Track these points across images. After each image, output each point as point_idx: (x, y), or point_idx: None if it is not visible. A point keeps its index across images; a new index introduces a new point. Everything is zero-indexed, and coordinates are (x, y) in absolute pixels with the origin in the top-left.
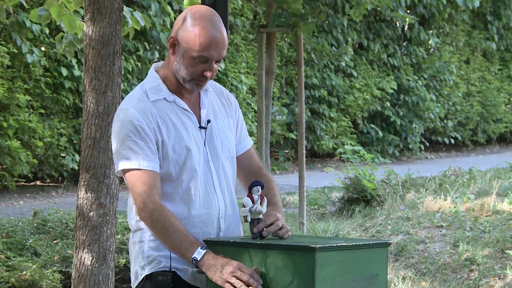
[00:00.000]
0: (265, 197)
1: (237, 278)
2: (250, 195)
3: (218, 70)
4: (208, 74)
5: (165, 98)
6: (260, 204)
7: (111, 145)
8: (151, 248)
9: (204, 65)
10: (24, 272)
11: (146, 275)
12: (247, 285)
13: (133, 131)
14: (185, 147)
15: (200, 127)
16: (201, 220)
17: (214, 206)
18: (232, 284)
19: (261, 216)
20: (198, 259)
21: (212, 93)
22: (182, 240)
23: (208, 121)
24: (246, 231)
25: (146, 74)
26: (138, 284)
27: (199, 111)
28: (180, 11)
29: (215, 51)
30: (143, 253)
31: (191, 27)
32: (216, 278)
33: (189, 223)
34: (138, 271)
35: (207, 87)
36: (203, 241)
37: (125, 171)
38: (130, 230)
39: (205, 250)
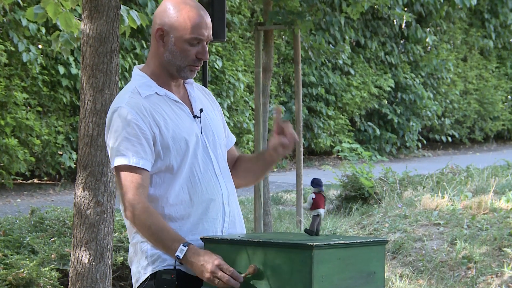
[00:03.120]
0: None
1: (218, 278)
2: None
3: (216, 68)
4: (202, 55)
5: (156, 92)
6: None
7: (106, 144)
8: (154, 247)
9: (197, 47)
10: (22, 270)
11: (150, 274)
12: (228, 285)
13: (127, 128)
14: (184, 137)
15: (195, 116)
16: (205, 206)
17: (217, 191)
18: (214, 284)
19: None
20: (181, 257)
21: (195, 89)
22: (164, 238)
23: (201, 110)
24: (248, 227)
25: None
26: (141, 284)
27: (190, 103)
28: None
29: (205, 31)
30: (146, 252)
31: (177, 13)
32: (200, 276)
33: (193, 211)
34: (141, 271)
35: (191, 81)
36: (200, 239)
37: (116, 168)
38: (127, 228)
39: (186, 247)
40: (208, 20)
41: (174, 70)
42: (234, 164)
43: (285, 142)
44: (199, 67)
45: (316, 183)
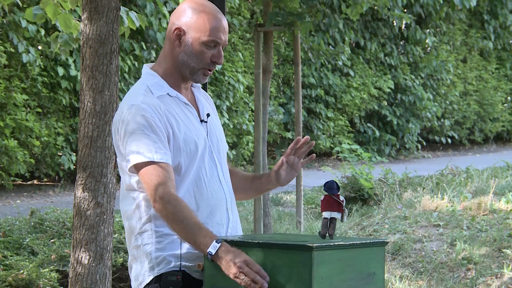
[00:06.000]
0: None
1: (245, 274)
2: (335, 195)
3: (215, 69)
4: (217, 59)
5: (168, 93)
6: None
7: (114, 143)
8: (159, 249)
9: (213, 51)
10: (21, 271)
11: (155, 277)
12: (254, 282)
13: (146, 126)
14: (194, 139)
15: (201, 120)
16: (210, 211)
17: (221, 197)
18: (240, 280)
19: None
20: (213, 253)
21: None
22: (196, 233)
23: (208, 115)
24: (244, 229)
25: None
26: (145, 286)
27: (197, 107)
28: None
29: (223, 35)
30: (151, 254)
31: (196, 14)
32: (228, 272)
33: (198, 215)
34: (145, 274)
35: (198, 85)
36: None
37: (138, 165)
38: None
39: (220, 244)
40: (226, 24)
41: (187, 72)
42: None
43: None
44: (212, 72)
45: (326, 186)
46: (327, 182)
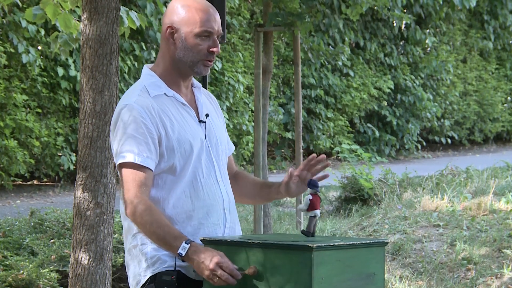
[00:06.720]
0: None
1: (218, 277)
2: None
3: (215, 70)
4: (214, 49)
5: (165, 93)
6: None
7: (110, 142)
8: (155, 249)
9: (208, 41)
10: (21, 272)
11: (150, 277)
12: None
13: (134, 126)
14: (189, 140)
15: (200, 121)
16: (206, 211)
17: (218, 197)
18: (214, 282)
19: (314, 214)
20: (183, 255)
21: (202, 94)
22: (166, 235)
23: (207, 115)
24: (244, 229)
25: None
26: (141, 287)
27: (196, 107)
28: None
29: (215, 24)
30: (146, 254)
31: (185, 9)
32: (200, 273)
33: (194, 215)
34: (142, 274)
35: (199, 85)
36: (200, 240)
37: (120, 165)
38: (124, 231)
39: (189, 245)
40: (217, 15)
41: (186, 67)
42: (235, 180)
43: (303, 175)
44: (212, 62)
45: (312, 184)
46: (312, 180)
